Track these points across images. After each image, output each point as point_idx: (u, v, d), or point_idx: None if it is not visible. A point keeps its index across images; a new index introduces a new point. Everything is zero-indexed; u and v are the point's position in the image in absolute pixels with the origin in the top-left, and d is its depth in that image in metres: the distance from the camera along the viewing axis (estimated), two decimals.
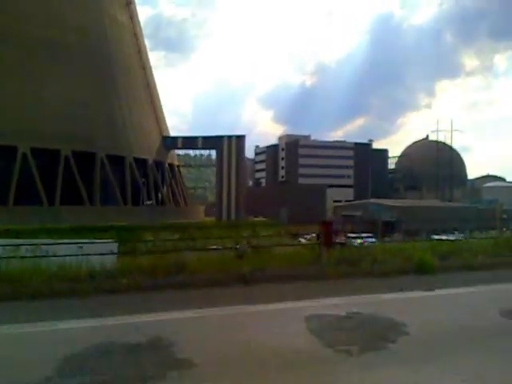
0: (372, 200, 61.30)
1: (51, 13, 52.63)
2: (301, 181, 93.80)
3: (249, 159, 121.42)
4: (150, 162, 58.93)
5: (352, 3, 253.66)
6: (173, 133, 70.27)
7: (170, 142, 63.43)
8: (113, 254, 10.97)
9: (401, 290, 7.79)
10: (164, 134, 64.58)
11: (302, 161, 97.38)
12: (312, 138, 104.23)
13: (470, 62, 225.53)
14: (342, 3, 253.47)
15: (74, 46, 53.46)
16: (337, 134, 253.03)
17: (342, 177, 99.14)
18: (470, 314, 6.62)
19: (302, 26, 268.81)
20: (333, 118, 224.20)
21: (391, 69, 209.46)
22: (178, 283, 8.04)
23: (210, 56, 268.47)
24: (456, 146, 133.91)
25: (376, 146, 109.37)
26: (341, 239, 37.22)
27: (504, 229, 48.50)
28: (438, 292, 7.93)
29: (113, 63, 58.05)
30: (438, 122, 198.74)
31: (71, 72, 52.00)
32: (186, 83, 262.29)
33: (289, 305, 7.00)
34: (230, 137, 61.81)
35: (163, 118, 68.01)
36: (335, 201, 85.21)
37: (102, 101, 54.80)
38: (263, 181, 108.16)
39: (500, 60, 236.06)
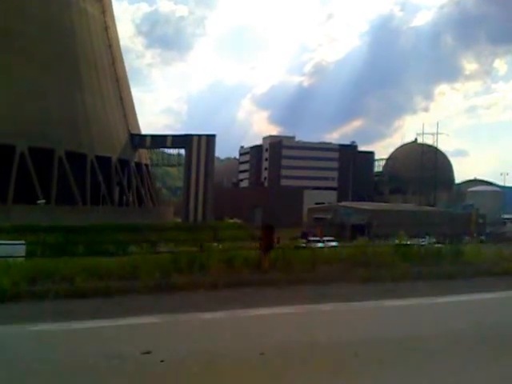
0: (342, 203, 59.33)
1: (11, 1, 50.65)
2: (283, 182, 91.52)
3: (235, 159, 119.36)
4: (114, 160, 56.68)
5: (352, 5, 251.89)
6: (167, 132, 68.32)
7: (138, 141, 61.20)
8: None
9: None
10: (133, 132, 62.31)
11: (285, 162, 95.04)
12: (304, 139, 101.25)
13: (469, 65, 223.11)
14: (342, 4, 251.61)
15: (35, 37, 51.23)
16: (332, 136, 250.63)
17: (327, 179, 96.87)
18: None
19: (300, 26, 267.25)
20: (329, 119, 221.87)
21: (390, 71, 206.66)
22: None
23: (206, 55, 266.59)
24: (451, 149, 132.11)
25: (372, 148, 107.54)
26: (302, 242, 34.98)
27: (474, 235, 46.58)
28: None
29: (78, 56, 55.84)
30: (423, 125, 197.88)
31: (29, 64, 49.77)
32: (181, 81, 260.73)
33: None
34: (199, 136, 59.69)
35: (134, 115, 65.75)
36: (317, 203, 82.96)
37: (63, 95, 52.51)
38: (246, 181, 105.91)
39: (500, 64, 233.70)
